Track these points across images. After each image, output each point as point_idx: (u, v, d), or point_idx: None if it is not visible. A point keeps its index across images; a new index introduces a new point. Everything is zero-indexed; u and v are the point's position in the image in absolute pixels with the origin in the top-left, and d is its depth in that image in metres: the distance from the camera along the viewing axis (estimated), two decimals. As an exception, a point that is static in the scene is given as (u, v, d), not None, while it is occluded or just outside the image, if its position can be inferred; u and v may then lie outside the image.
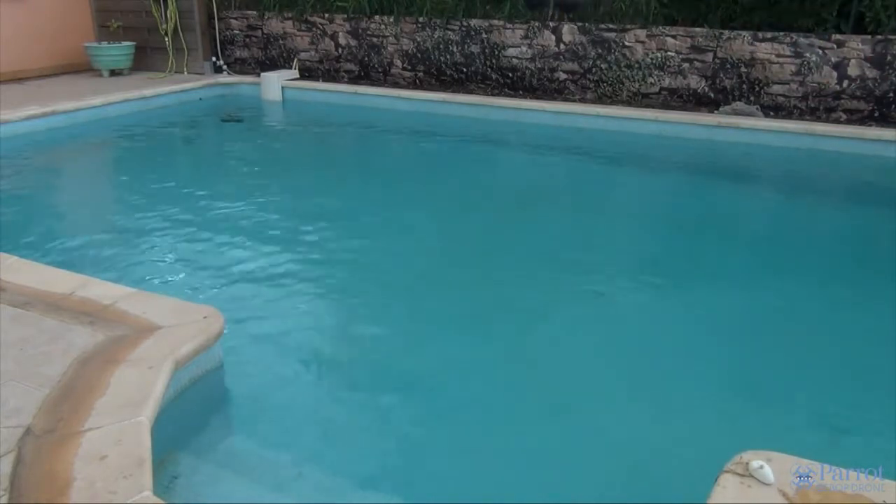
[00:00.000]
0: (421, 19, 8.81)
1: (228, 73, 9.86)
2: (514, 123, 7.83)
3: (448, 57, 8.81)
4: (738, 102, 7.50)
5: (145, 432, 2.07)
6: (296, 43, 9.67)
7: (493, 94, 8.50)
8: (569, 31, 8.10)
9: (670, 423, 2.73)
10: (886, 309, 3.61)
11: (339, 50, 9.44)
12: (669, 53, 7.68)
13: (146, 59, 9.88)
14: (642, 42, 7.78)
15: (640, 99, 7.93)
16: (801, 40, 7.14)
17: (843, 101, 7.10)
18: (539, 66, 8.35)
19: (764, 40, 7.28)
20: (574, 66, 8.18)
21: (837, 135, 6.70)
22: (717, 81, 7.55)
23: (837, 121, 7.12)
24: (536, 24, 8.23)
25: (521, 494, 2.33)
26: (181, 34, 9.66)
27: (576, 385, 2.99)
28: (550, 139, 7.39)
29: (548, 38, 8.23)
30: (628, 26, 7.81)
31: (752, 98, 7.45)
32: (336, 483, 2.39)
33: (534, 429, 2.68)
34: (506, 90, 8.56)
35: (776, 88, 7.33)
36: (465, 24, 8.59)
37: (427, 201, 5.51)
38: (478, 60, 8.65)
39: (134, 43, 9.71)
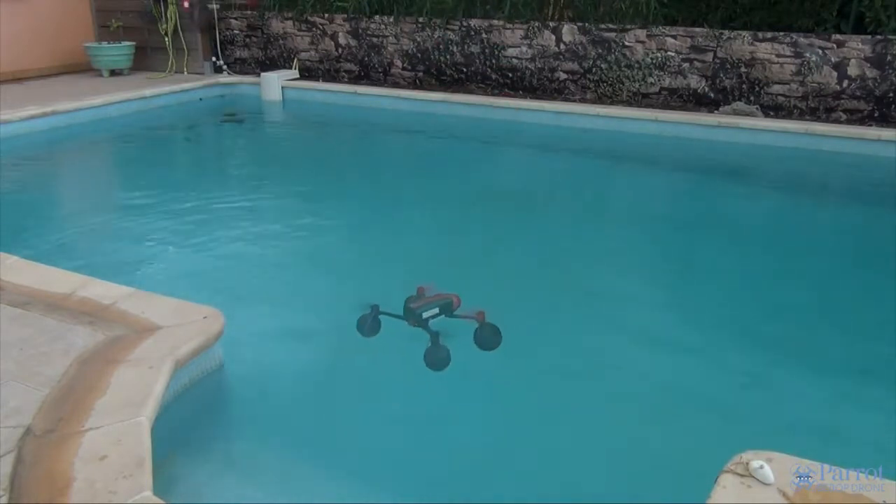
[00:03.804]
0: (421, 19, 8.81)
1: (228, 73, 9.85)
2: (514, 123, 7.83)
3: (448, 57, 8.81)
4: (738, 102, 7.50)
5: (145, 432, 2.07)
6: (296, 43, 9.67)
7: (493, 94, 8.50)
8: (569, 32, 8.10)
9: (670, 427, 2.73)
10: (887, 308, 3.61)
11: (339, 50, 9.44)
12: (669, 53, 7.68)
13: (146, 59, 9.87)
14: (642, 42, 7.78)
15: (640, 99, 7.93)
16: (801, 40, 7.14)
17: (843, 101, 7.10)
18: (539, 66, 8.35)
19: (764, 40, 7.28)
20: (574, 66, 8.18)
21: (837, 135, 6.70)
22: (717, 81, 7.55)
23: (837, 121, 7.12)
24: (536, 24, 8.24)
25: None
26: (181, 34, 9.66)
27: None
28: (550, 139, 7.39)
29: (548, 38, 8.23)
30: (628, 26, 7.81)
31: (752, 98, 7.44)
32: (336, 482, 2.39)
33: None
34: (506, 90, 8.56)
35: (776, 88, 7.33)
36: (465, 24, 8.59)
37: (427, 201, 5.51)
38: (478, 60, 8.65)
39: (134, 43, 9.70)
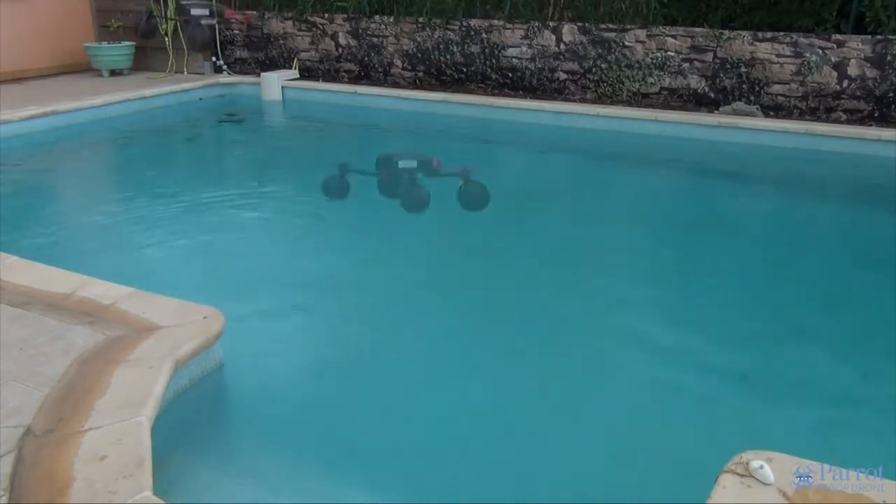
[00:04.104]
0: (421, 19, 8.81)
1: (228, 73, 9.85)
2: (514, 123, 7.83)
3: (448, 57, 8.81)
4: (738, 102, 7.50)
5: (145, 432, 2.07)
6: (296, 43, 9.67)
7: (493, 94, 8.50)
8: (569, 31, 8.10)
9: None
10: (887, 308, 3.61)
11: (339, 50, 9.44)
12: (669, 53, 7.68)
13: (146, 59, 9.88)
14: (642, 42, 7.78)
15: (640, 99, 7.93)
16: (801, 40, 7.14)
17: (843, 101, 7.10)
18: (539, 66, 8.35)
19: (764, 40, 7.28)
20: (574, 66, 8.18)
21: (837, 135, 6.70)
22: (717, 81, 7.56)
23: (837, 121, 7.12)
24: (536, 24, 8.24)
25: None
26: (181, 34, 9.66)
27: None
28: (550, 139, 7.39)
29: (548, 38, 8.23)
30: (628, 26, 7.81)
31: (752, 98, 7.45)
32: (337, 481, 2.39)
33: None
34: (506, 90, 8.56)
35: (776, 88, 7.33)
36: (465, 24, 8.59)
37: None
38: (478, 60, 8.65)
39: (134, 43, 9.70)
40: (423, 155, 2.71)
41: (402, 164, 2.69)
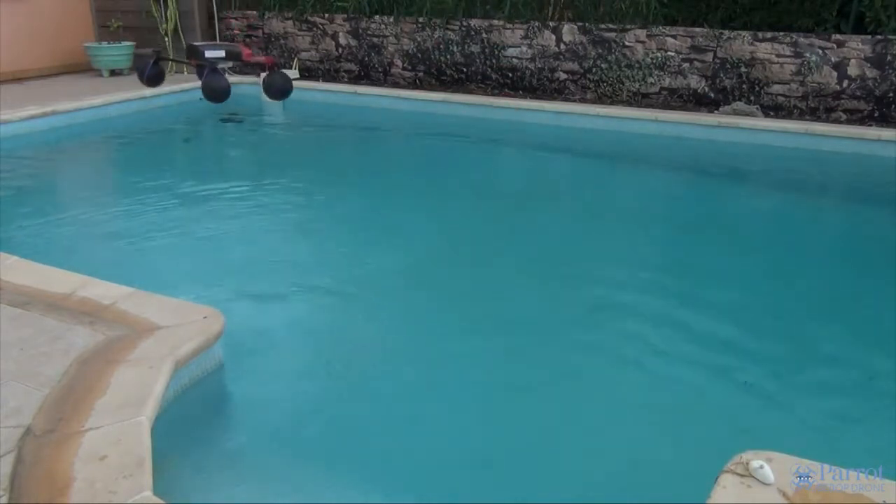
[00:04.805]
0: (421, 19, 8.81)
1: (229, 73, 9.84)
2: (514, 123, 7.83)
3: (448, 57, 8.81)
4: (738, 102, 7.50)
5: (145, 432, 2.07)
6: (296, 43, 9.67)
7: (493, 94, 8.50)
8: (569, 31, 8.10)
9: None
10: (887, 308, 3.61)
11: (340, 50, 9.44)
12: (669, 53, 7.68)
13: (146, 59, 9.88)
14: (642, 42, 7.78)
15: (640, 99, 7.93)
16: (801, 40, 7.14)
17: (843, 101, 7.10)
18: (539, 66, 8.35)
19: (764, 40, 7.28)
20: (574, 66, 8.18)
21: (837, 135, 6.70)
22: (717, 81, 7.56)
23: (837, 121, 7.12)
24: (536, 24, 8.24)
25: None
26: (181, 34, 9.66)
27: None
28: (550, 139, 7.39)
29: (548, 38, 8.23)
30: (628, 26, 7.82)
31: (752, 98, 7.45)
32: (337, 481, 2.39)
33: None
34: (506, 90, 8.56)
35: (776, 88, 7.33)
36: (465, 24, 8.59)
37: (426, 201, 5.51)
38: (478, 60, 8.66)
39: (134, 43, 9.71)
40: (233, 45, 2.75)
41: (209, 53, 2.73)
